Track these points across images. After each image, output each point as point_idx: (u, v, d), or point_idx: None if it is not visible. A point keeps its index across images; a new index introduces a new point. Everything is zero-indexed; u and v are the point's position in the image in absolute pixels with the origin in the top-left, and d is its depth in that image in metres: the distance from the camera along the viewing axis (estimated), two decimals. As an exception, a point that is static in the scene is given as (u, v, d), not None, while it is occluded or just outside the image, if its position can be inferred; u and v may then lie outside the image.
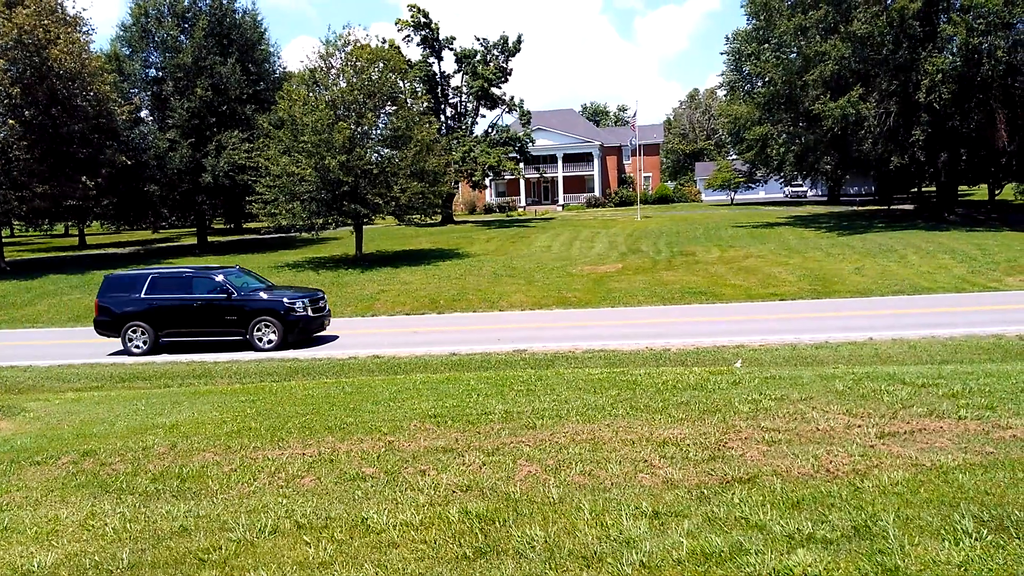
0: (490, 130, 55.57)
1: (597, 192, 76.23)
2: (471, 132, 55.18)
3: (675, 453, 6.12)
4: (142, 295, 17.95)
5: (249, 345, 17.68)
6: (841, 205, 55.96)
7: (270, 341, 17.52)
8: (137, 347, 17.92)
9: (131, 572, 4.50)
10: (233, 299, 17.69)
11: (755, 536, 4.29)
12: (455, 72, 54.30)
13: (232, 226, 62.34)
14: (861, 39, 34.13)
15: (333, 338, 18.83)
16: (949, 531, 4.17)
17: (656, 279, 25.60)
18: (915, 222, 37.84)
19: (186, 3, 42.12)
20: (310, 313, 17.87)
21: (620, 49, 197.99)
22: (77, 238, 59.49)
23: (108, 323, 18.24)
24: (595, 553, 4.21)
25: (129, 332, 17.95)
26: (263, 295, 18.13)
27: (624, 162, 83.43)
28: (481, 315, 22.28)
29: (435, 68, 53.45)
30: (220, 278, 18.03)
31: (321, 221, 32.93)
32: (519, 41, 53.15)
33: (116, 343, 18.90)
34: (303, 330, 17.85)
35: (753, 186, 67.35)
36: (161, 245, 51.94)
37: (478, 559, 4.28)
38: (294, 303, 17.67)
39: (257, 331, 17.57)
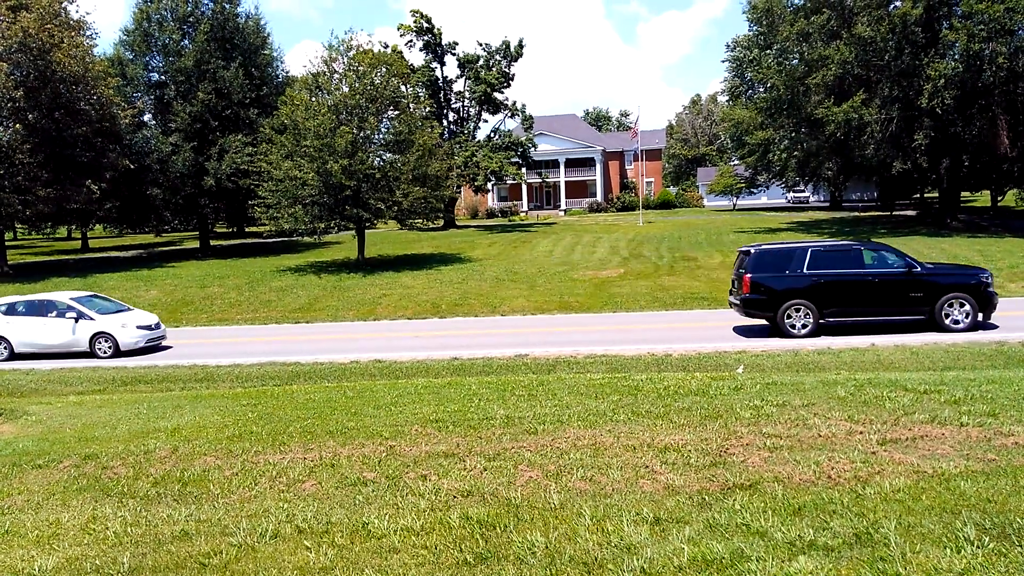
0: (492, 135, 55.61)
1: (599, 197, 76.25)
2: (473, 137, 55.25)
3: (676, 459, 6.12)
4: (804, 270, 16.13)
5: (934, 325, 15.84)
6: (843, 211, 55.93)
7: (958, 321, 15.63)
8: (797, 328, 16.12)
9: (132, 576, 4.50)
10: (916, 273, 15.81)
11: (756, 543, 4.28)
12: (457, 77, 54.41)
13: (234, 230, 62.37)
14: (864, 43, 34.15)
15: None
16: (951, 538, 4.16)
17: (658, 284, 25.61)
18: (917, 228, 37.83)
19: (188, 8, 42.24)
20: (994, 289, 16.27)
21: (623, 54, 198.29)
22: (80, 241, 59.57)
23: (763, 302, 16.32)
24: (596, 559, 4.21)
25: (789, 311, 16.16)
26: (950, 269, 16.73)
27: (626, 167, 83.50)
28: (483, 320, 22.29)
29: (437, 73, 53.56)
30: (887, 252, 16.45)
31: (323, 225, 32.96)
32: (521, 46, 53.25)
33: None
34: (994, 307, 15.99)
35: (755, 191, 67.31)
36: (164, 249, 52.02)
37: (479, 564, 4.28)
38: (988, 277, 15.98)
39: (946, 309, 15.70)
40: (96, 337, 18.77)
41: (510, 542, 4.56)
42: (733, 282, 17.71)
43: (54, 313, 19.09)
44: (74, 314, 18.91)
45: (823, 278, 16.03)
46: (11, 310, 19.36)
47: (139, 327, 19.15)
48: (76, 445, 8.44)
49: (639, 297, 23.60)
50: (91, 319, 18.89)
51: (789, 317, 16.19)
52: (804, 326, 16.12)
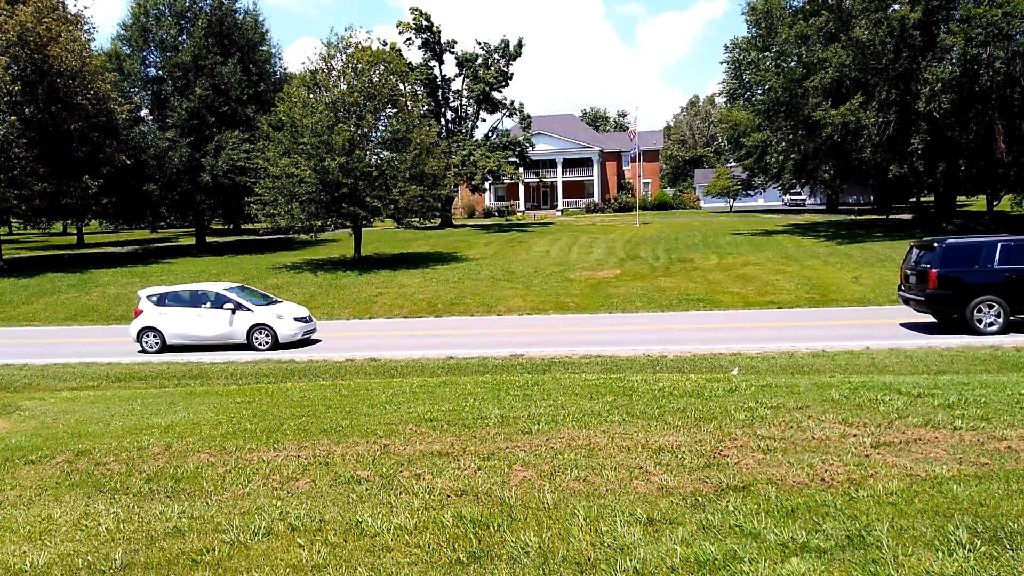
0: (490, 134, 55.59)
1: (596, 197, 76.31)
2: (471, 136, 55.22)
3: (670, 460, 6.12)
4: (995, 265, 15.46)
5: None
6: (839, 214, 56.04)
7: None
8: (987, 325, 15.51)
9: (124, 573, 4.49)
10: None
11: (749, 544, 4.29)
12: (456, 76, 54.38)
13: (231, 227, 62.25)
14: (862, 46, 34.22)
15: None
16: (943, 542, 4.17)
17: (654, 285, 25.63)
18: (913, 232, 37.90)
19: (186, 3, 42.15)
20: None
21: (622, 55, 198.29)
22: (75, 237, 59.41)
23: (951, 297, 15.67)
24: (589, 559, 4.21)
25: (979, 307, 15.54)
26: None
27: (624, 168, 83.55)
28: (479, 319, 22.28)
29: (436, 71, 53.51)
30: None
31: (320, 223, 32.91)
32: (520, 45, 53.23)
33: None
34: None
35: (752, 194, 67.42)
36: (159, 245, 51.91)
37: (472, 564, 4.28)
38: None
39: None
40: (254, 329, 18.20)
41: (503, 541, 4.56)
42: (907, 277, 16.95)
43: (208, 304, 18.53)
44: (232, 305, 18.31)
45: (1016, 274, 15.39)
46: (163, 300, 18.75)
47: (295, 319, 18.58)
48: (69, 441, 8.41)
49: (635, 298, 23.61)
50: (249, 310, 18.32)
51: (979, 313, 15.60)
52: (994, 323, 15.55)
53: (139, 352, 18.64)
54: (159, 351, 18.53)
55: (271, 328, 18.16)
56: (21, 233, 75.76)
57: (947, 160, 37.31)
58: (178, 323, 18.56)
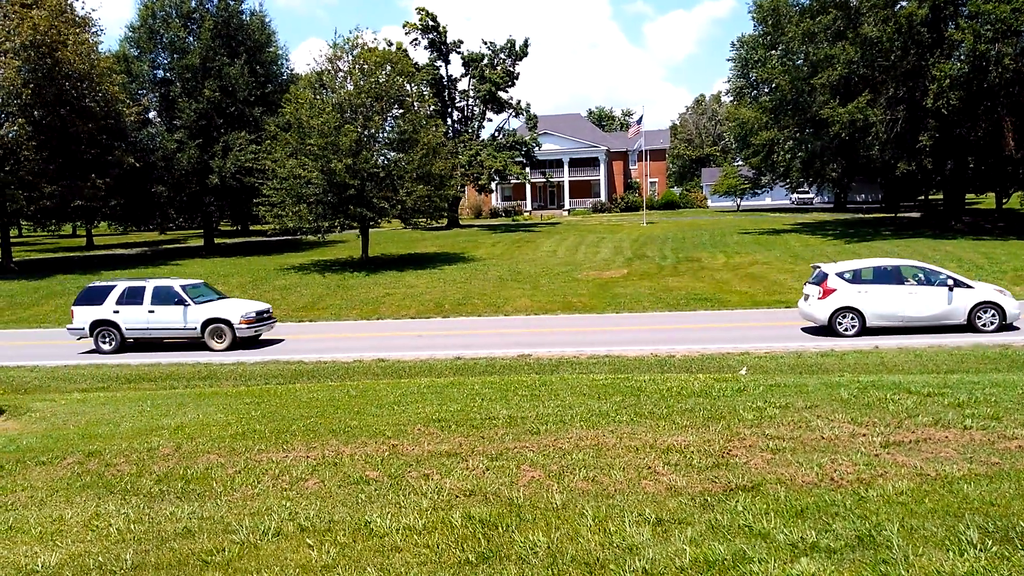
0: (497, 134, 55.57)
1: (603, 197, 76.18)
2: (478, 136, 55.22)
3: (679, 460, 6.11)
4: None
5: None
6: (847, 212, 55.80)
7: None
8: None
9: (134, 573, 4.51)
10: None
11: (758, 544, 4.28)
12: (462, 76, 54.39)
13: (239, 228, 62.48)
14: (869, 43, 34.07)
15: None
16: (953, 542, 4.16)
17: (661, 285, 25.58)
18: (922, 230, 37.72)
19: (192, 4, 42.31)
20: None
21: (629, 54, 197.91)
22: (85, 239, 59.68)
23: None
24: (598, 560, 4.21)
25: None
26: None
27: (630, 167, 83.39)
28: (486, 319, 22.29)
29: (442, 72, 53.54)
30: None
31: (327, 224, 32.99)
32: (526, 45, 53.20)
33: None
34: None
35: (759, 192, 67.16)
36: (168, 246, 52.12)
37: (480, 564, 4.28)
38: None
39: None
40: (978, 308, 15.84)
41: (512, 542, 4.56)
42: None
43: (913, 280, 16.38)
44: (951, 281, 16.09)
45: None
46: (858, 277, 16.56)
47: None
48: (80, 442, 8.46)
49: (643, 298, 23.57)
50: (969, 287, 16.06)
51: None
52: None
53: (809, 334, 16.97)
54: (857, 334, 16.32)
55: (999, 306, 15.87)
56: (31, 235, 76.18)
57: (956, 157, 37.08)
58: (884, 302, 16.28)
